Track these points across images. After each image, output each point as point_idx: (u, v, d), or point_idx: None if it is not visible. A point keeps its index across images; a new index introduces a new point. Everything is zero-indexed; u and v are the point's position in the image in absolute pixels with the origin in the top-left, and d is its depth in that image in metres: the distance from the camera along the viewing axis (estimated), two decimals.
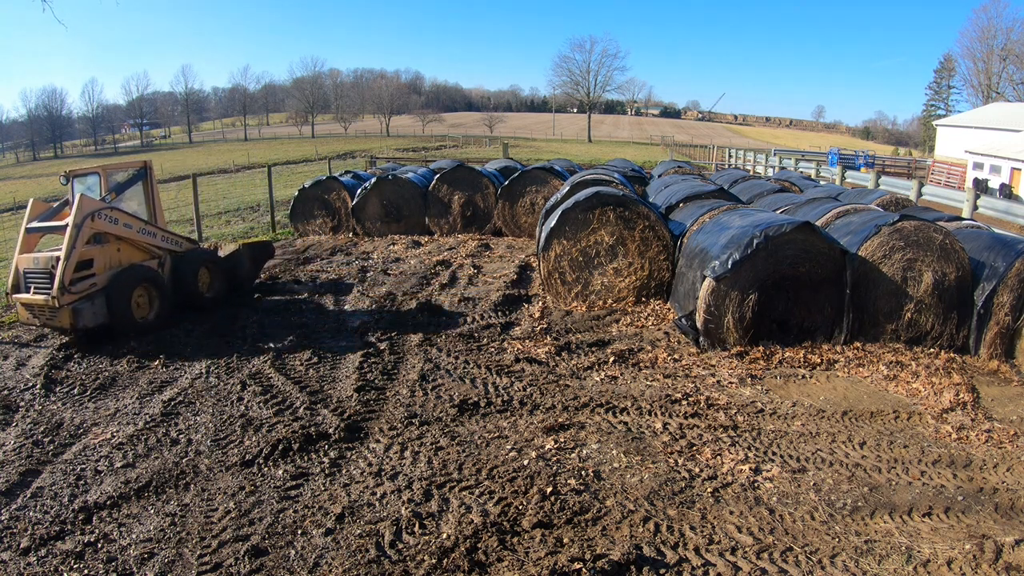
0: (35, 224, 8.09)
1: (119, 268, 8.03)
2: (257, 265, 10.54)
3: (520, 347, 7.46)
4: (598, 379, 6.60)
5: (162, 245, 8.68)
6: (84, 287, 7.62)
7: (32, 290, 7.70)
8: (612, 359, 7.08)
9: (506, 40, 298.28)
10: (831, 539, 4.10)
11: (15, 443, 5.42)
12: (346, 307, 9.30)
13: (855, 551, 3.97)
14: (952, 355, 7.18)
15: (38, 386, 6.59)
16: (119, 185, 8.53)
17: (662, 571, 3.80)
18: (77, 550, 4.05)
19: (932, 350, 7.28)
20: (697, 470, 4.88)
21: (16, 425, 5.79)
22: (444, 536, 4.10)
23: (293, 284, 10.67)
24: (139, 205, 8.77)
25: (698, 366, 6.92)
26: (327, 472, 4.89)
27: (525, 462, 4.98)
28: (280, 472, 4.90)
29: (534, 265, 11.51)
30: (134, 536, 4.18)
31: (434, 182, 15.35)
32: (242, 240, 11.63)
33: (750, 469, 4.87)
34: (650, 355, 7.21)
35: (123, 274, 7.97)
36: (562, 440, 5.31)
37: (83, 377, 6.82)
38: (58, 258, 7.45)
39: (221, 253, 9.85)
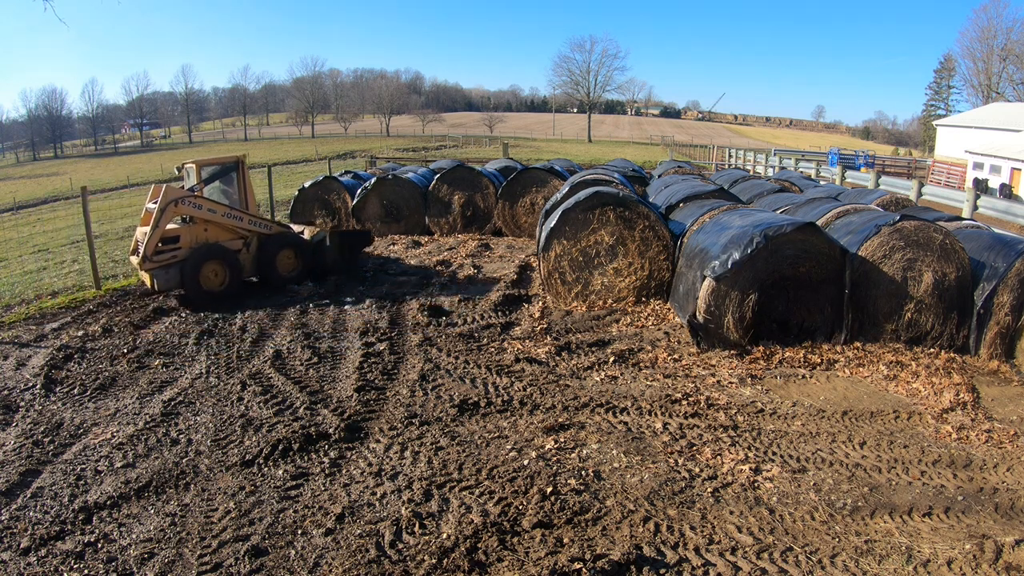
0: (150, 204, 9.52)
1: (202, 245, 9.47)
2: (347, 252, 11.36)
3: (520, 347, 7.46)
4: (598, 379, 6.60)
5: (249, 228, 10.01)
6: (164, 258, 9.22)
7: (136, 256, 9.52)
8: (612, 359, 7.08)
9: (506, 40, 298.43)
10: (831, 539, 4.10)
11: (15, 443, 5.42)
12: (346, 307, 9.30)
13: (855, 551, 3.97)
14: (952, 355, 7.18)
15: (38, 386, 6.59)
16: (211, 175, 10.02)
17: (662, 571, 3.80)
18: (77, 550, 4.05)
19: (932, 350, 7.28)
20: (697, 470, 4.88)
21: (16, 425, 5.79)
22: (444, 536, 4.09)
23: (293, 284, 10.67)
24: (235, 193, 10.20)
25: (698, 366, 6.92)
26: (327, 472, 4.89)
27: (525, 462, 4.98)
28: (280, 472, 4.90)
29: (534, 265, 11.51)
30: (134, 536, 4.18)
31: (434, 182, 15.36)
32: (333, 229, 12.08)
33: (750, 469, 4.87)
34: (650, 355, 7.21)
35: (198, 250, 9.38)
36: (562, 440, 5.31)
37: (83, 377, 6.82)
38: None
39: (307, 237, 10.93)
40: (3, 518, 4.40)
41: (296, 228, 11.31)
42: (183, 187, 9.80)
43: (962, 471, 4.91)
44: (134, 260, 9.63)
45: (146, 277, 9.24)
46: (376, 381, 6.57)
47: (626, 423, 5.64)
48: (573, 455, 5.09)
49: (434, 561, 3.86)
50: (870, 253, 7.43)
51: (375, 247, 13.67)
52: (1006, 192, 29.88)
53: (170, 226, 9.30)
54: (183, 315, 8.93)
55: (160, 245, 9.17)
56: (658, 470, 4.88)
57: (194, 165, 9.93)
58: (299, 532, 4.19)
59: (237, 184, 10.17)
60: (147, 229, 9.22)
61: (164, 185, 9.53)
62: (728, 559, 3.88)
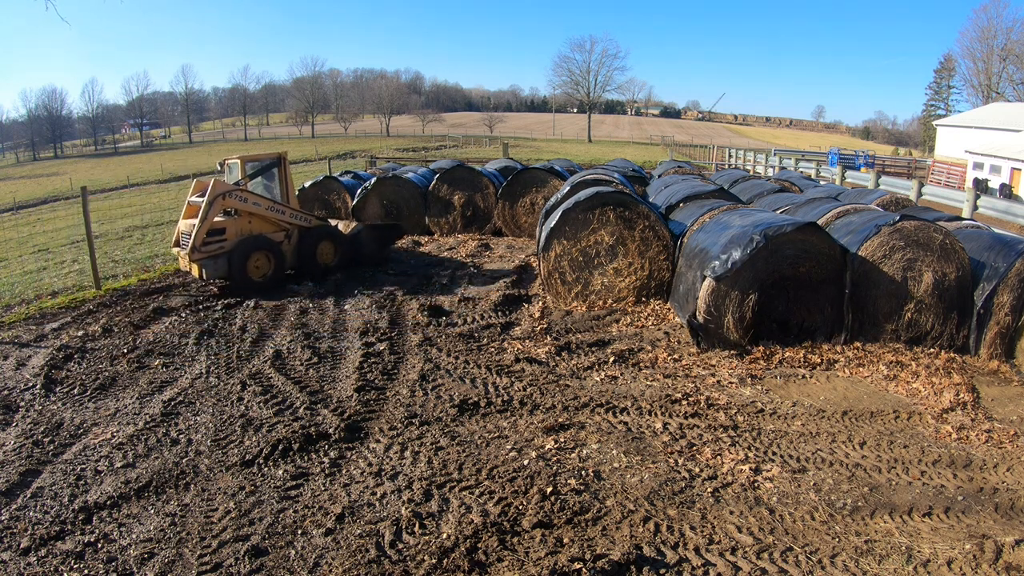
0: (193, 198, 10.00)
1: (247, 236, 10.02)
2: (381, 244, 12.05)
3: (520, 347, 7.46)
4: (598, 379, 6.60)
5: (291, 220, 10.56)
6: (212, 249, 9.71)
7: (181, 247, 9.95)
8: (612, 359, 7.08)
9: (506, 40, 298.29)
10: (831, 539, 4.10)
11: (15, 443, 5.42)
12: (346, 307, 9.30)
13: (855, 551, 3.97)
14: (952, 355, 7.18)
15: (38, 386, 6.59)
16: (255, 171, 10.58)
17: (662, 571, 3.80)
18: (77, 550, 4.05)
19: (932, 350, 7.28)
20: (697, 470, 4.88)
21: (16, 425, 5.79)
22: (444, 536, 4.10)
23: (293, 284, 10.67)
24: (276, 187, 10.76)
25: (698, 366, 6.92)
26: (327, 472, 4.89)
27: (525, 462, 4.98)
28: (280, 472, 4.90)
29: (534, 265, 11.51)
30: (134, 536, 4.18)
31: (434, 182, 15.35)
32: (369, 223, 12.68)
33: (750, 469, 4.87)
34: (650, 355, 7.21)
35: (243, 242, 9.96)
36: (562, 440, 5.31)
37: (83, 377, 6.82)
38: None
39: (343, 230, 11.60)
40: (3, 518, 4.40)
41: (332, 222, 12.01)
42: (226, 181, 10.33)
43: (962, 471, 4.91)
44: (176, 251, 10.14)
45: (194, 267, 9.74)
46: (376, 381, 6.57)
47: (626, 423, 5.64)
48: (573, 455, 5.09)
49: (434, 561, 3.86)
50: (870, 253, 7.43)
51: None
52: (1006, 192, 29.88)
53: (218, 219, 9.82)
54: (183, 315, 8.93)
55: (207, 237, 9.67)
56: (658, 470, 4.88)
57: (238, 160, 10.49)
58: (299, 532, 4.19)
59: (279, 179, 10.72)
60: (191, 221, 9.74)
61: (212, 179, 10.06)
62: (728, 559, 3.88)
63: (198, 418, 5.83)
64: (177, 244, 10.18)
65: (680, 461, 5.00)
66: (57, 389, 6.55)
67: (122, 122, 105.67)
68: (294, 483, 4.75)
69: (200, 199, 9.74)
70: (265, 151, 11.56)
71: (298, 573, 3.82)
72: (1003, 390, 6.49)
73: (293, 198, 10.89)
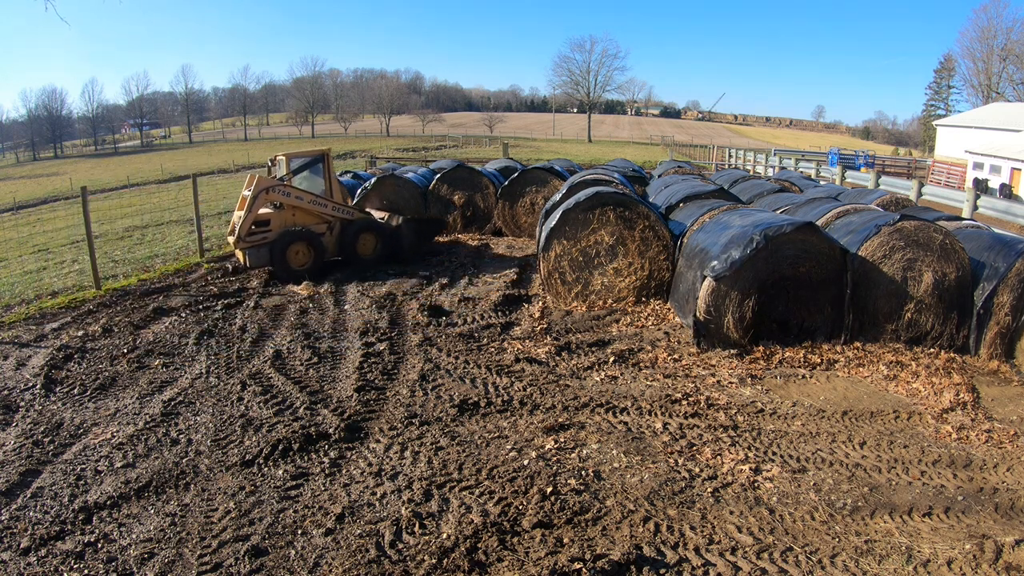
0: (245, 191, 10.81)
1: (290, 228, 10.81)
2: (422, 237, 12.48)
3: (520, 347, 7.46)
4: (598, 379, 6.60)
5: (332, 213, 11.29)
6: (256, 239, 10.65)
7: (232, 236, 10.89)
8: (612, 359, 7.08)
9: (506, 40, 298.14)
10: (831, 539, 4.10)
11: (15, 443, 5.42)
12: (346, 307, 9.30)
13: (855, 551, 3.97)
14: (952, 355, 7.18)
15: (38, 386, 6.59)
16: (299, 167, 11.29)
17: (662, 571, 3.80)
18: (77, 550, 4.05)
19: (932, 350, 7.28)
20: (697, 470, 4.88)
21: (16, 425, 5.79)
22: (444, 536, 4.10)
23: (294, 284, 10.67)
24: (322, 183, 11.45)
25: (698, 366, 6.92)
26: (327, 472, 4.89)
27: (525, 462, 4.98)
28: (280, 472, 4.90)
29: (534, 265, 11.51)
30: (134, 536, 4.18)
31: (434, 182, 15.35)
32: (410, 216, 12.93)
33: (750, 469, 4.87)
34: (650, 355, 7.21)
35: (285, 233, 10.72)
36: (562, 440, 5.31)
37: (83, 377, 6.82)
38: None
39: (387, 222, 12.13)
40: (3, 518, 4.40)
41: (377, 215, 12.58)
42: (274, 176, 11.15)
43: (962, 471, 4.91)
44: (231, 240, 11.02)
45: (240, 255, 10.88)
46: (376, 381, 6.57)
47: (626, 423, 5.64)
48: (573, 455, 5.09)
49: (434, 561, 3.86)
50: (870, 253, 7.43)
51: None
52: (1006, 192, 29.88)
53: (264, 211, 10.75)
54: (183, 315, 8.93)
55: (253, 227, 10.63)
56: (658, 470, 4.88)
57: (284, 157, 11.27)
58: (299, 532, 4.19)
59: (323, 175, 11.39)
60: (241, 213, 10.63)
61: (257, 174, 11.04)
62: (728, 559, 3.89)
63: (198, 418, 5.83)
64: (232, 233, 11.07)
65: (680, 461, 5.00)
66: (57, 389, 6.55)
67: (122, 122, 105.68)
68: (294, 483, 4.75)
69: (249, 192, 10.58)
70: (310, 148, 12.29)
71: (298, 573, 3.82)
72: (1003, 390, 6.49)
73: (337, 193, 11.49)
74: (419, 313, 8.80)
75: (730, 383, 6.50)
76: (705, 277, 7.31)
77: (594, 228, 9.02)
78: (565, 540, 4.05)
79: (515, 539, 4.07)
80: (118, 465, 5.04)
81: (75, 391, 6.49)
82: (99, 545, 4.11)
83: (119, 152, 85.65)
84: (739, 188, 13.58)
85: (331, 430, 5.46)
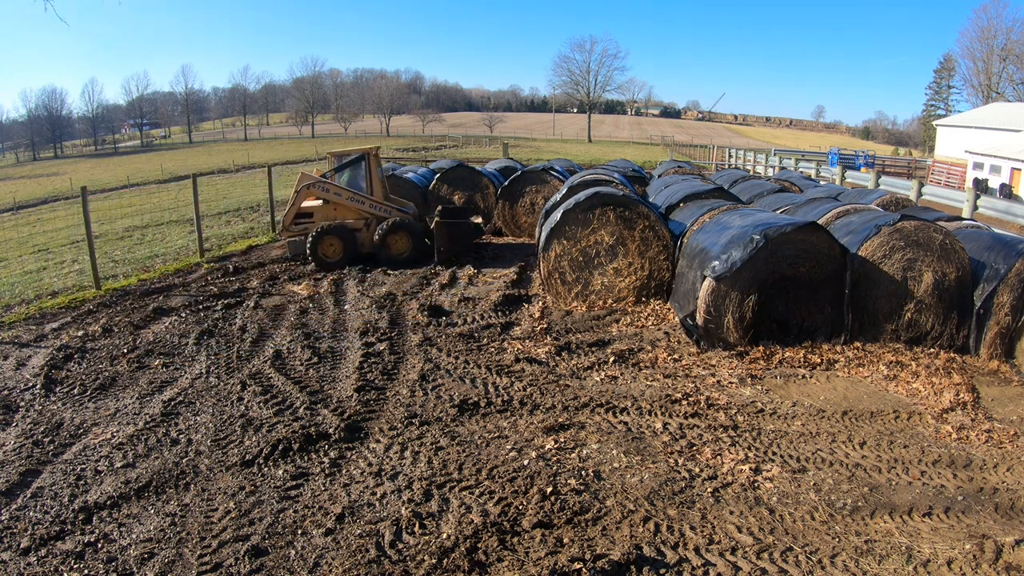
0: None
1: (332, 222, 11.63)
2: (457, 241, 12.29)
3: (520, 347, 7.46)
4: (598, 379, 6.60)
5: (369, 210, 11.85)
6: (297, 230, 11.84)
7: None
8: (612, 359, 7.08)
9: (506, 40, 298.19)
10: (831, 539, 4.10)
11: (15, 443, 5.42)
12: (346, 307, 9.30)
13: (855, 551, 3.97)
14: (952, 355, 7.18)
15: (38, 386, 6.59)
16: (340, 165, 12.03)
17: (662, 571, 3.80)
18: (77, 550, 4.05)
19: (932, 350, 7.28)
20: (697, 470, 4.88)
21: (16, 425, 5.79)
22: (444, 536, 4.10)
23: (294, 284, 10.67)
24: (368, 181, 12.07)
25: (698, 366, 6.92)
26: (327, 472, 4.89)
27: (525, 462, 4.98)
28: (280, 472, 4.90)
29: (534, 265, 11.51)
30: (134, 536, 4.18)
31: (434, 182, 15.37)
32: (439, 219, 12.88)
33: (750, 469, 4.87)
34: (650, 355, 7.21)
35: (324, 226, 11.49)
36: (562, 440, 5.31)
37: (83, 377, 6.82)
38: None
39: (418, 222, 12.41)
40: (3, 518, 4.40)
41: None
42: (324, 172, 12.10)
43: (962, 471, 4.91)
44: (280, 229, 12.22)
45: (285, 244, 11.99)
46: (376, 381, 6.57)
47: (626, 423, 5.64)
48: (573, 455, 5.09)
49: (434, 561, 3.86)
50: (870, 253, 7.43)
51: None
52: (1006, 192, 29.88)
53: (310, 204, 11.74)
54: (183, 315, 8.93)
55: (295, 219, 11.77)
56: (658, 470, 4.88)
57: (330, 155, 12.24)
58: (299, 532, 4.19)
59: (365, 173, 11.96)
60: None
61: (302, 171, 12.16)
62: (728, 559, 3.88)
63: (198, 418, 5.83)
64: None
65: (680, 461, 5.00)
66: (57, 389, 6.55)
67: (122, 122, 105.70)
68: (294, 483, 4.75)
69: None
70: (357, 147, 12.70)
71: (298, 573, 3.82)
72: (1003, 390, 6.49)
73: (378, 190, 11.97)
74: (419, 313, 8.80)
75: (730, 383, 6.50)
76: (705, 277, 7.31)
77: (594, 228, 9.02)
78: (565, 540, 4.05)
79: (515, 539, 4.07)
80: (118, 465, 5.04)
81: (75, 391, 6.49)
82: (99, 545, 4.10)
83: (119, 152, 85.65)
84: (739, 188, 13.58)
85: (331, 430, 5.46)
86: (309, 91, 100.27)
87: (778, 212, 9.89)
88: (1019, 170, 30.39)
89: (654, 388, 6.38)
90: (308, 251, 11.46)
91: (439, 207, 12.75)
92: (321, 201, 11.76)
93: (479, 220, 13.64)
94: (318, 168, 11.87)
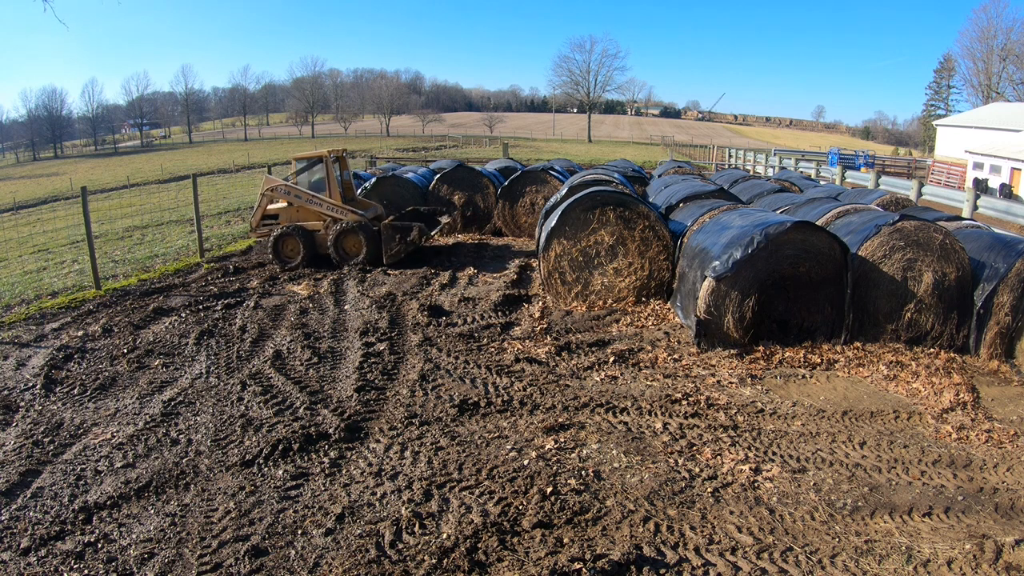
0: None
1: (292, 224, 11.87)
2: (404, 240, 12.01)
3: (520, 347, 7.46)
4: (598, 379, 6.60)
5: (327, 213, 11.85)
6: (264, 231, 12.13)
7: None
8: (612, 359, 7.08)
9: (506, 40, 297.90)
10: (831, 539, 4.10)
11: (15, 443, 5.42)
12: (346, 307, 9.30)
13: (855, 551, 3.97)
14: (952, 355, 7.18)
15: (38, 386, 6.59)
16: (301, 168, 12.22)
17: (662, 571, 3.80)
18: (77, 550, 4.05)
19: (932, 350, 7.28)
20: (697, 470, 4.88)
21: (16, 425, 5.79)
22: (444, 536, 4.10)
23: (294, 284, 10.67)
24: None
25: (698, 366, 6.92)
26: (327, 472, 4.89)
27: (525, 462, 4.98)
28: (280, 472, 4.90)
29: (534, 265, 11.51)
30: (134, 536, 4.18)
31: (434, 182, 15.36)
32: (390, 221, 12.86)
33: (750, 469, 4.87)
34: (650, 355, 7.21)
35: (286, 228, 11.79)
36: (562, 440, 5.31)
37: (83, 377, 6.82)
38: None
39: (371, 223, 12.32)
40: (3, 518, 4.40)
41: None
42: (287, 176, 12.29)
43: (962, 471, 4.91)
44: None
45: (253, 243, 12.92)
46: (376, 381, 6.57)
47: (626, 423, 5.64)
48: (573, 455, 5.09)
49: (434, 561, 3.86)
50: (870, 253, 7.43)
51: None
52: (1006, 192, 29.88)
53: (276, 207, 12.07)
54: (183, 315, 8.93)
55: (261, 220, 12.15)
56: (658, 470, 4.88)
57: (293, 160, 12.42)
58: (299, 532, 4.19)
59: (324, 176, 12.01)
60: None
61: (266, 176, 12.54)
62: (728, 559, 3.88)
63: (198, 418, 5.83)
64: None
65: (680, 461, 5.00)
66: (57, 389, 6.55)
67: (122, 122, 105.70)
68: (294, 483, 4.75)
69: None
70: (313, 151, 12.80)
71: (298, 573, 3.82)
72: (1003, 390, 6.49)
73: (335, 193, 11.97)
74: (419, 313, 8.79)
75: (730, 383, 6.50)
76: (706, 277, 7.30)
77: (594, 228, 9.02)
78: (565, 540, 4.05)
79: (515, 539, 4.07)
80: (118, 465, 5.04)
81: (75, 391, 6.49)
82: (99, 545, 4.11)
83: (119, 152, 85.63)
84: (739, 188, 13.58)
85: (331, 430, 5.46)
86: (309, 91, 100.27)
87: (778, 212, 9.88)
88: (1019, 170, 30.39)
89: (654, 388, 6.38)
90: (270, 251, 11.72)
91: (392, 214, 12.97)
92: (286, 203, 11.99)
93: (447, 219, 13.60)
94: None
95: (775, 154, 37.88)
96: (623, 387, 6.41)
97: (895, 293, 7.40)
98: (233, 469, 4.94)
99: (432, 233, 12.76)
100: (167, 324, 8.57)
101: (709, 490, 4.61)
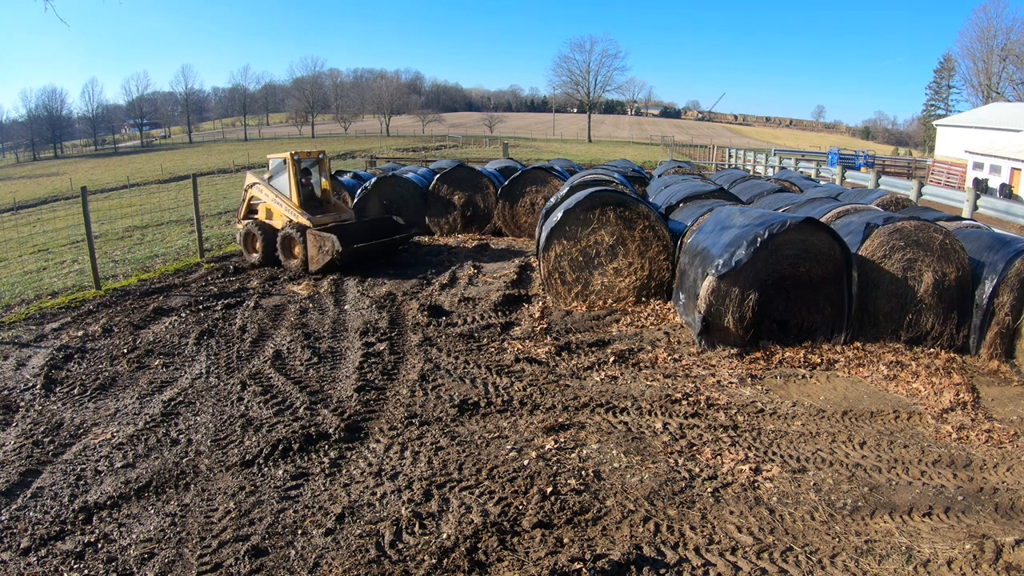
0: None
1: (259, 221, 12.15)
2: (353, 245, 11.75)
3: (520, 347, 7.46)
4: (598, 379, 6.60)
5: (284, 214, 11.90)
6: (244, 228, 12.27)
7: None
8: (612, 359, 7.08)
9: (506, 40, 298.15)
10: (831, 539, 4.10)
11: (15, 443, 5.42)
12: (346, 307, 9.30)
13: (855, 551, 3.97)
14: (952, 355, 7.18)
15: (38, 386, 6.59)
16: (275, 168, 12.09)
17: (662, 571, 3.80)
18: (77, 550, 4.05)
19: (932, 350, 7.28)
20: (697, 470, 4.88)
21: (16, 425, 5.79)
22: (444, 536, 4.10)
23: (294, 284, 10.67)
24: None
25: (698, 366, 6.92)
26: (327, 472, 4.89)
27: (525, 462, 4.98)
28: (280, 472, 4.90)
29: (534, 265, 11.51)
30: (134, 536, 4.18)
31: (434, 182, 15.35)
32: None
33: (750, 469, 4.87)
34: (650, 355, 7.21)
35: (248, 227, 12.08)
36: (562, 440, 5.31)
37: (83, 377, 6.82)
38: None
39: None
40: (3, 518, 4.40)
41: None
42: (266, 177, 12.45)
43: (962, 471, 4.91)
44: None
45: (238, 236, 12.71)
46: (376, 381, 6.57)
47: (626, 423, 5.64)
48: (573, 455, 5.09)
49: (434, 561, 3.86)
50: (870, 253, 7.43)
51: None
52: (1006, 192, 29.87)
53: (257, 203, 12.31)
54: (183, 315, 8.94)
55: (247, 216, 12.47)
56: (658, 470, 4.88)
57: (270, 159, 12.33)
58: (299, 532, 4.19)
59: (287, 177, 11.85)
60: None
61: (248, 173, 12.80)
62: (728, 559, 3.88)
63: (198, 418, 5.83)
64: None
65: (680, 461, 5.00)
66: (57, 389, 6.55)
67: (122, 122, 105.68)
68: (294, 483, 4.75)
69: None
70: (280, 154, 12.54)
71: (298, 573, 3.82)
72: (1003, 390, 6.49)
73: (294, 194, 11.77)
74: (419, 313, 8.79)
75: (730, 383, 6.50)
76: (706, 276, 7.30)
77: (594, 228, 9.02)
78: (565, 540, 4.05)
79: (515, 539, 4.07)
80: (118, 465, 5.04)
81: (75, 391, 6.49)
82: (99, 545, 4.11)
83: (119, 152, 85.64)
84: (739, 188, 13.57)
85: (331, 430, 5.46)
86: (309, 91, 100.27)
87: (778, 212, 9.88)
88: (1019, 170, 30.38)
89: (654, 388, 6.38)
90: (241, 244, 12.21)
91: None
92: (261, 201, 12.28)
93: (400, 220, 13.31)
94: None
95: (775, 154, 37.87)
96: (623, 387, 6.41)
97: (895, 293, 7.40)
98: (233, 469, 4.94)
99: (401, 246, 12.68)
100: (167, 324, 8.57)
101: (709, 490, 4.61)
